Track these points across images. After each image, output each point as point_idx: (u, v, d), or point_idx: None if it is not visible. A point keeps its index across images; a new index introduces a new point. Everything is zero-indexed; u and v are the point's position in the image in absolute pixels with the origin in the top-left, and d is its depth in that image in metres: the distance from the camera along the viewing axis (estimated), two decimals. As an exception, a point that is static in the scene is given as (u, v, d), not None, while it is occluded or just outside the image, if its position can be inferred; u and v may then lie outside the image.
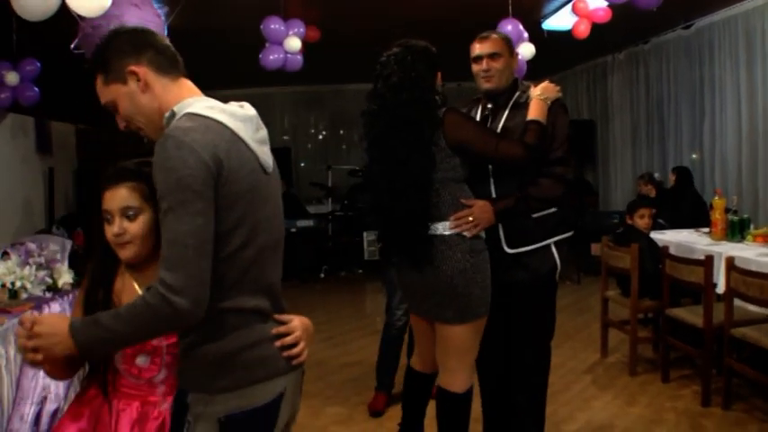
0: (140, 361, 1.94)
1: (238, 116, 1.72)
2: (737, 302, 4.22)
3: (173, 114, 1.71)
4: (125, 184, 1.88)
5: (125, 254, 1.89)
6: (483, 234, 3.02)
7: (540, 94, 3.13)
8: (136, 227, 1.87)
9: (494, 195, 3.12)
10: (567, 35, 6.60)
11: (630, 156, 10.05)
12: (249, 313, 1.71)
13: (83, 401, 1.99)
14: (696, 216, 6.74)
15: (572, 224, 3.32)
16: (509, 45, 3.30)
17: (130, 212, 1.87)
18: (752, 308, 4.34)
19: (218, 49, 7.97)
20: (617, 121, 10.32)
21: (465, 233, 2.93)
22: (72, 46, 4.36)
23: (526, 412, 3.30)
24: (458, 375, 3.02)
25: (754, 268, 4.22)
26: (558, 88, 3.21)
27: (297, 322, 1.84)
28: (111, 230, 1.87)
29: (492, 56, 3.21)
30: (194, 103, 1.71)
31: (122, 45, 1.75)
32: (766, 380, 3.80)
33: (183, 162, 1.56)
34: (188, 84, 1.80)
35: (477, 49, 3.26)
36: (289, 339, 1.78)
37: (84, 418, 1.95)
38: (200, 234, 1.58)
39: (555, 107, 3.14)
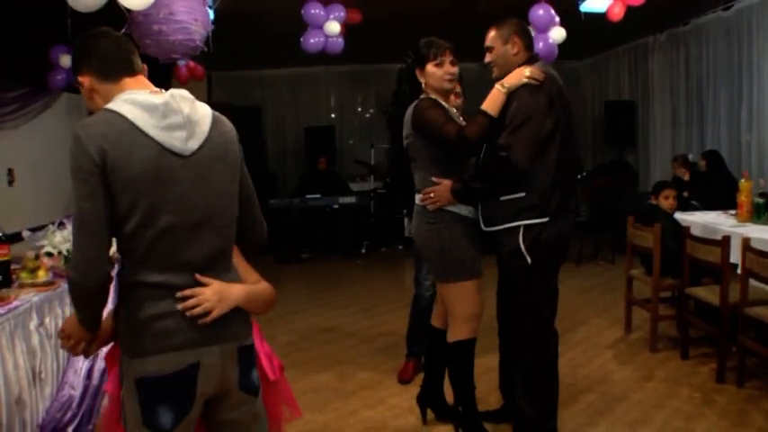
0: None
1: (144, 106, 1.87)
2: (759, 283, 4.37)
3: None
4: None
5: None
6: (458, 208, 3.46)
7: (501, 83, 3.30)
8: None
9: None
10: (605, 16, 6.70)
11: (670, 137, 10.08)
12: (157, 288, 1.90)
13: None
14: (729, 198, 6.80)
15: (548, 211, 3.29)
16: (502, 34, 3.43)
17: None
18: (771, 288, 4.47)
19: (264, 31, 8.22)
20: (657, 102, 10.34)
21: (428, 207, 3.45)
22: (121, 33, 4.63)
23: (520, 386, 3.49)
24: (451, 327, 3.59)
25: (774, 250, 4.35)
26: (525, 73, 3.26)
27: (208, 289, 1.95)
28: None
29: (487, 49, 3.50)
30: (116, 98, 1.91)
31: (76, 55, 2.03)
32: (777, 357, 3.95)
33: (74, 153, 1.82)
34: (129, 82, 1.99)
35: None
36: (190, 302, 1.92)
37: None
38: (84, 216, 1.82)
39: (519, 92, 3.25)
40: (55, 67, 6.46)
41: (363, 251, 10.17)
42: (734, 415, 3.99)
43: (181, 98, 1.94)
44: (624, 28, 7.54)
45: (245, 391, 2.05)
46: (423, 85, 3.58)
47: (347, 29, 6.78)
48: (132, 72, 2.02)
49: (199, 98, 2.07)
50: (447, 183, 3.42)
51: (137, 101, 1.88)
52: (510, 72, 3.33)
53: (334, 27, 6.40)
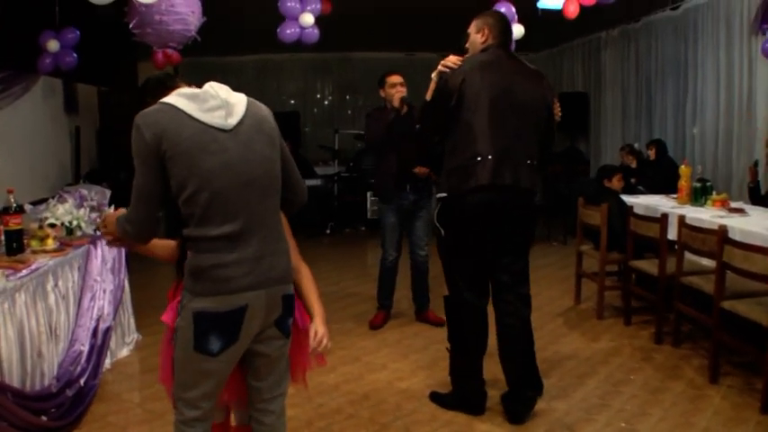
0: None
1: (188, 95, 2.29)
2: (694, 257, 4.94)
3: None
4: None
5: None
6: None
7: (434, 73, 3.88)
8: None
9: None
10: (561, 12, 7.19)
11: (620, 127, 10.65)
12: (216, 240, 2.27)
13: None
14: (672, 183, 7.36)
15: (447, 188, 3.82)
16: (477, 24, 3.91)
17: None
18: (705, 261, 5.02)
19: (233, 19, 8.54)
20: (608, 93, 10.91)
21: None
22: (131, 26, 4.98)
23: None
24: None
25: (706, 227, 4.90)
26: (442, 62, 3.82)
27: (320, 327, 2.61)
28: None
29: (467, 35, 3.96)
30: (170, 96, 2.34)
31: (137, 102, 2.47)
32: (707, 319, 4.48)
33: (133, 138, 2.25)
34: (177, 89, 2.40)
35: None
36: (322, 344, 2.58)
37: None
38: (139, 187, 2.28)
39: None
40: (43, 51, 6.72)
41: (328, 232, 10.63)
42: (668, 369, 4.56)
43: (218, 86, 2.37)
44: (579, 23, 8.02)
45: (279, 331, 2.46)
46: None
47: (316, 19, 7.13)
48: (178, 85, 2.46)
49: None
50: None
51: (182, 93, 2.31)
52: None
53: (308, 18, 6.77)
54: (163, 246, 2.67)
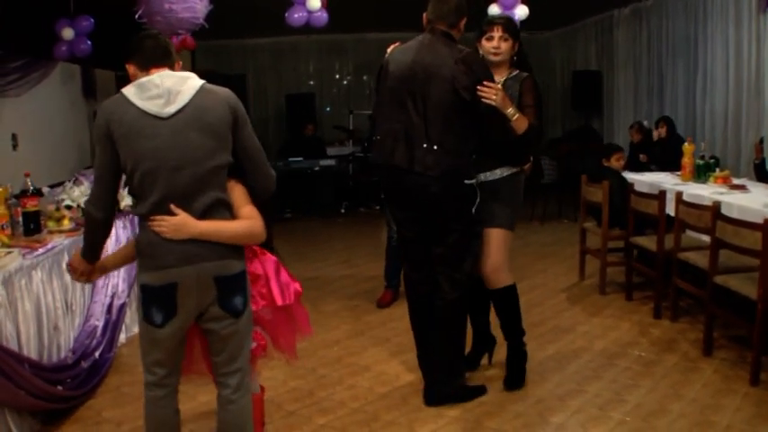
0: None
1: (138, 84, 2.51)
2: (694, 234, 5.04)
3: None
4: None
5: None
6: None
7: None
8: None
9: None
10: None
11: (632, 105, 10.68)
12: (147, 219, 2.54)
13: None
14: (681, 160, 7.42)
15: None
16: None
17: None
18: (705, 238, 5.12)
19: (247, 2, 8.67)
20: (621, 72, 10.92)
21: None
22: (138, 14, 5.13)
23: None
24: None
25: (706, 203, 4.99)
26: None
27: (171, 219, 2.50)
28: None
29: None
30: (127, 86, 2.56)
31: (126, 49, 2.68)
32: (702, 294, 4.59)
33: (94, 123, 2.53)
34: (153, 70, 2.58)
35: None
36: (154, 224, 2.50)
37: None
38: (97, 168, 2.56)
39: None
40: (59, 39, 6.90)
41: (342, 211, 10.78)
42: (665, 343, 4.68)
43: (167, 76, 2.55)
44: (591, 1, 8.07)
45: (224, 311, 2.62)
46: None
47: (328, 1, 7.21)
48: (160, 64, 2.63)
49: (183, 68, 2.71)
50: None
51: (138, 83, 2.53)
52: None
53: (315, 2, 6.86)
54: (117, 255, 2.99)
